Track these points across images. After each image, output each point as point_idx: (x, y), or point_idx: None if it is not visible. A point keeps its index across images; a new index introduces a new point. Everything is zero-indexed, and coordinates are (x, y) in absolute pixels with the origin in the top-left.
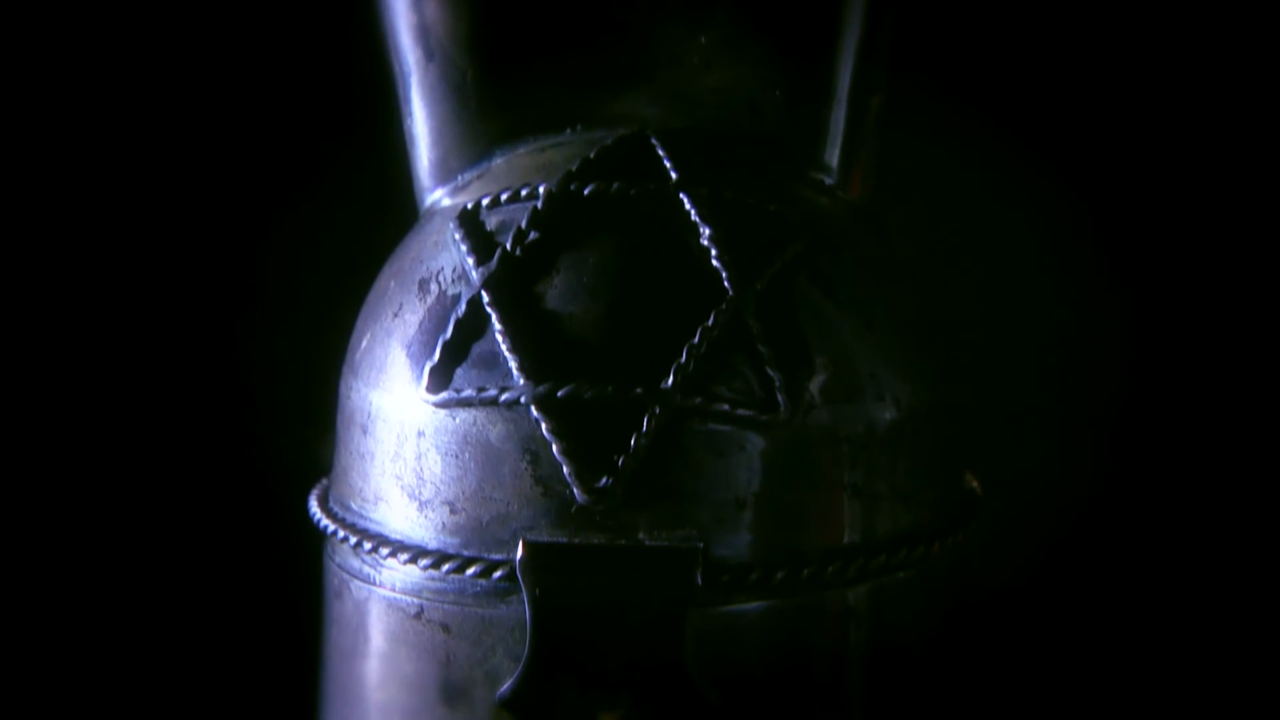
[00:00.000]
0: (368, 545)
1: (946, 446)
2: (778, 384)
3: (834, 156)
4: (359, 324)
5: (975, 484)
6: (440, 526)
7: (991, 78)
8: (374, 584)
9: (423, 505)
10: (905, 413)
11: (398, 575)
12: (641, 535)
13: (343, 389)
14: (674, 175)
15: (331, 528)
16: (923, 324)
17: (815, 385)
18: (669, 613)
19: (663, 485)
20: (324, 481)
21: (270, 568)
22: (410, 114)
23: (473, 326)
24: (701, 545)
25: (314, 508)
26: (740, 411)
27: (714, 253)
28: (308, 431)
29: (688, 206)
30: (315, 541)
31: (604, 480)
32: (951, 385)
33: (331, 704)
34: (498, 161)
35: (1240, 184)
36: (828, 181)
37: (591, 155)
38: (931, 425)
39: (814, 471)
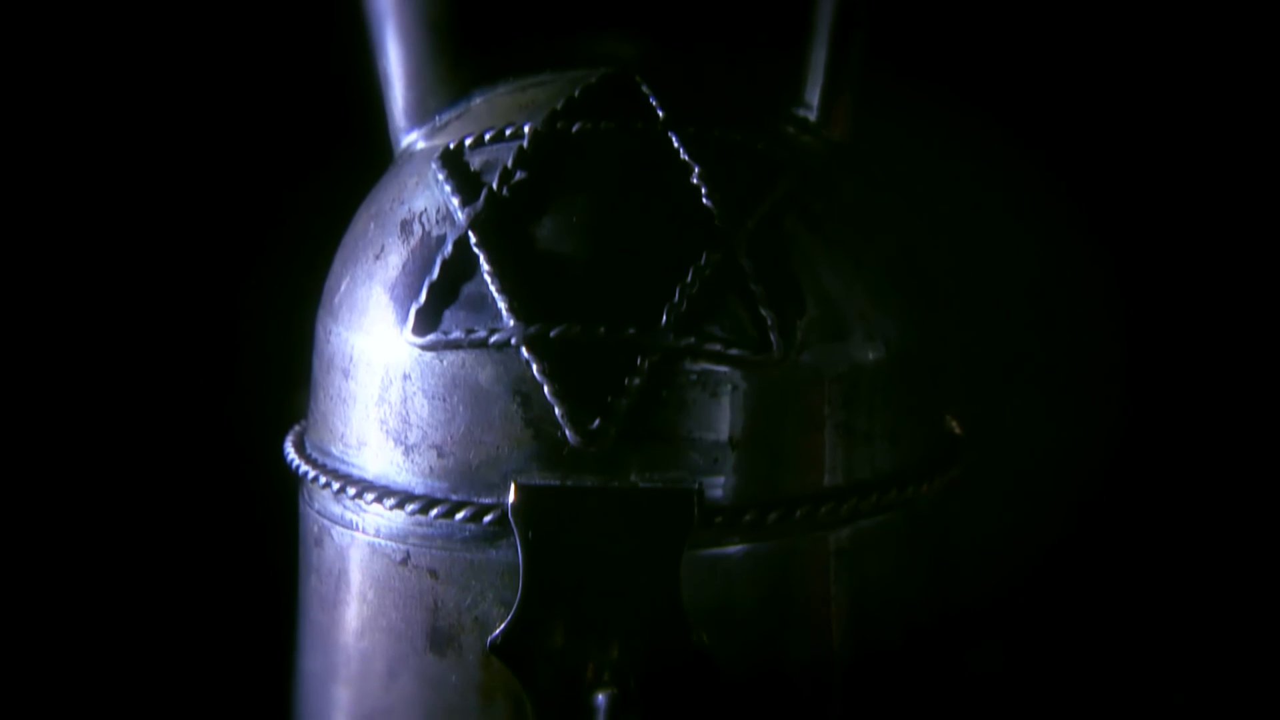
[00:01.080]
0: (351, 491)
1: (931, 388)
2: (770, 323)
3: (815, 95)
4: (336, 267)
5: (957, 427)
6: (428, 470)
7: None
8: (357, 530)
9: (409, 449)
10: (894, 352)
11: (382, 521)
12: (634, 477)
13: (320, 333)
14: (660, 114)
15: (311, 473)
16: (907, 264)
17: (807, 324)
18: (664, 555)
19: (656, 427)
20: (298, 427)
21: (239, 514)
22: (385, 54)
23: (460, 268)
24: (697, 486)
25: (290, 453)
26: (734, 351)
27: (704, 191)
28: (277, 379)
29: (676, 145)
30: (288, 488)
31: (596, 422)
32: (934, 327)
33: (310, 652)
34: (477, 102)
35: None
36: (810, 119)
37: (576, 94)
38: (918, 365)
39: (806, 411)
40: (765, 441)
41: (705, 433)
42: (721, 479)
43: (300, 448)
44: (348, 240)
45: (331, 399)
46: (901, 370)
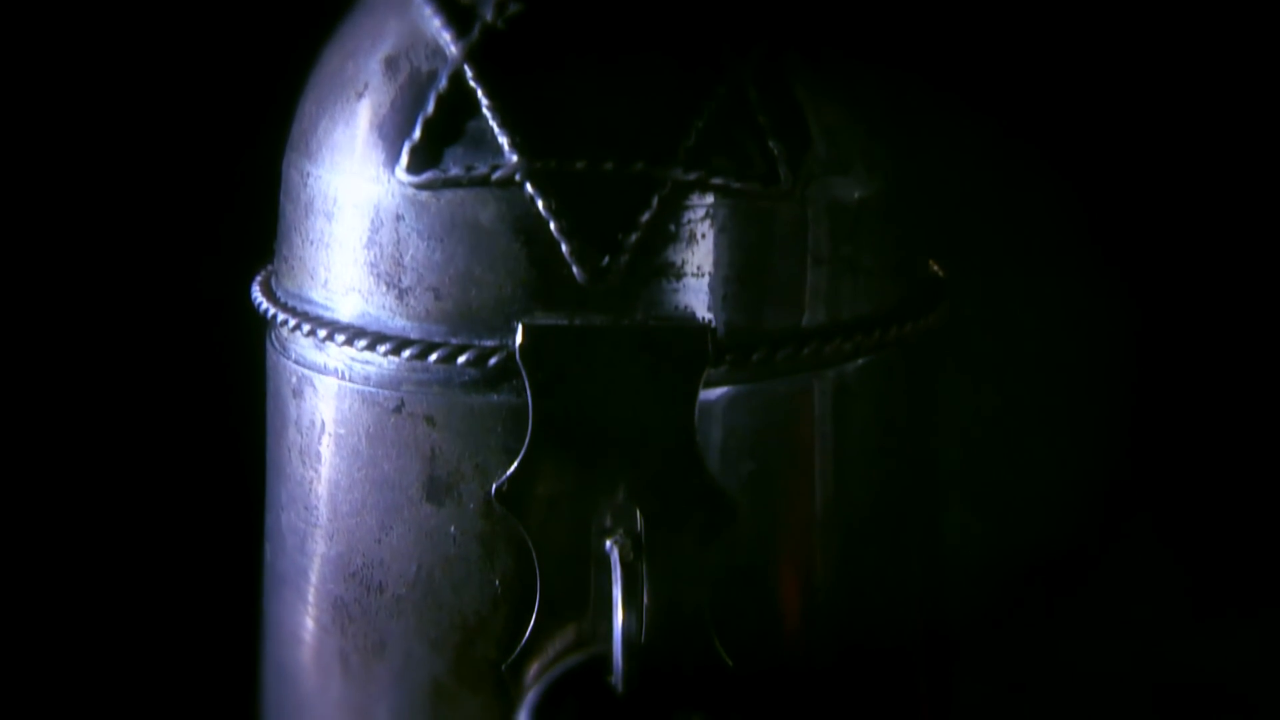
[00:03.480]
0: (340, 338)
1: (922, 227)
2: (778, 155)
3: None
4: (308, 108)
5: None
6: (424, 314)
7: None
8: (344, 379)
9: (403, 293)
10: (894, 185)
11: (373, 368)
12: (641, 316)
13: (295, 176)
14: None
15: (292, 322)
16: (901, 100)
17: (813, 157)
18: (679, 393)
19: (665, 263)
20: (264, 273)
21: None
22: None
23: (456, 103)
24: (711, 322)
25: (262, 301)
26: (744, 184)
27: (709, 22)
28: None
29: None
30: (251, 338)
31: (605, 259)
32: (924, 167)
33: (288, 508)
34: None
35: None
36: None
37: None
38: (912, 203)
39: (814, 245)
40: (776, 276)
41: (716, 268)
42: (732, 315)
43: (271, 295)
44: (320, 81)
45: (312, 244)
46: (904, 204)
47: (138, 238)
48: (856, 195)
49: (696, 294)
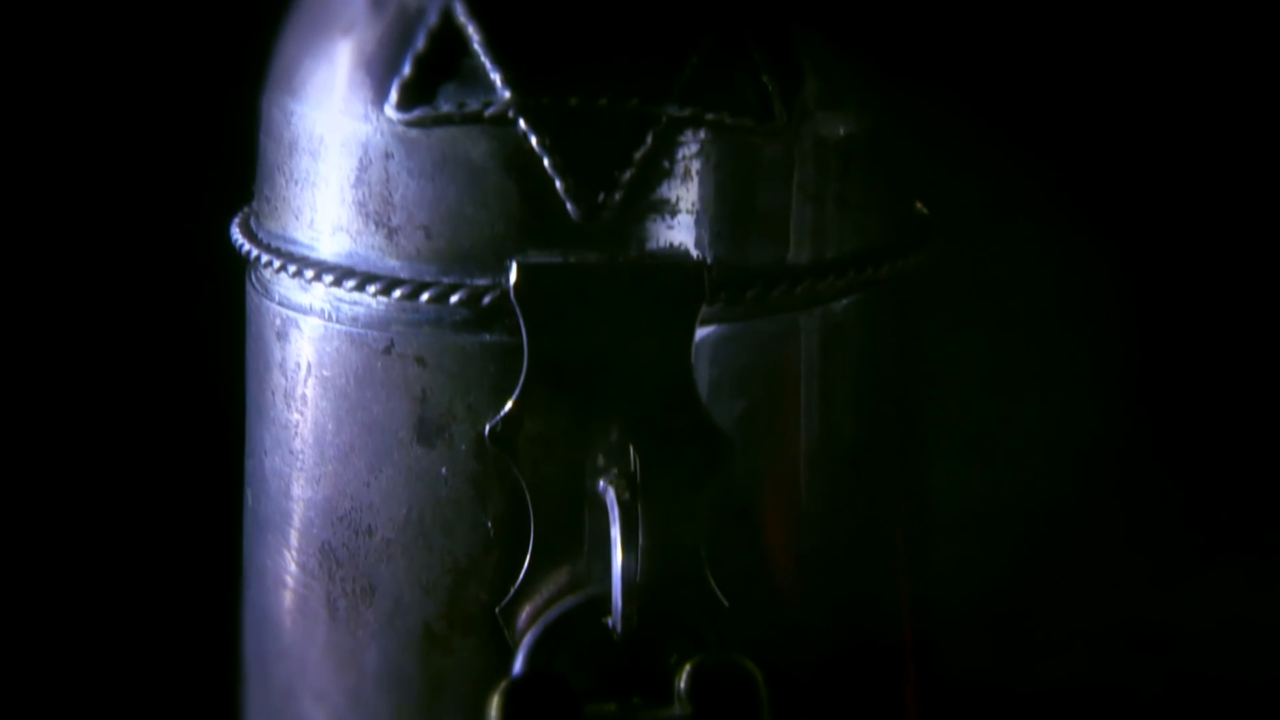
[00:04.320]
0: (327, 278)
1: (913, 165)
2: (773, 92)
3: None
4: (289, 46)
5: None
6: (414, 254)
7: None
8: (331, 320)
9: (392, 232)
10: (885, 123)
11: (361, 309)
12: (636, 253)
13: (277, 115)
14: None
15: (277, 263)
16: (888, 36)
17: (807, 93)
18: (676, 330)
19: (660, 200)
20: (243, 213)
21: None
22: None
23: (446, 39)
24: (708, 259)
25: (243, 242)
26: (738, 121)
27: None
28: None
29: None
30: (231, 280)
31: (600, 195)
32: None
33: (271, 455)
34: None
35: None
36: None
37: None
38: (904, 140)
39: (807, 182)
40: (767, 214)
41: (710, 206)
42: (726, 253)
43: (252, 235)
44: (300, 18)
45: (297, 183)
46: (890, 144)
47: (105, 177)
48: (849, 132)
49: (691, 231)
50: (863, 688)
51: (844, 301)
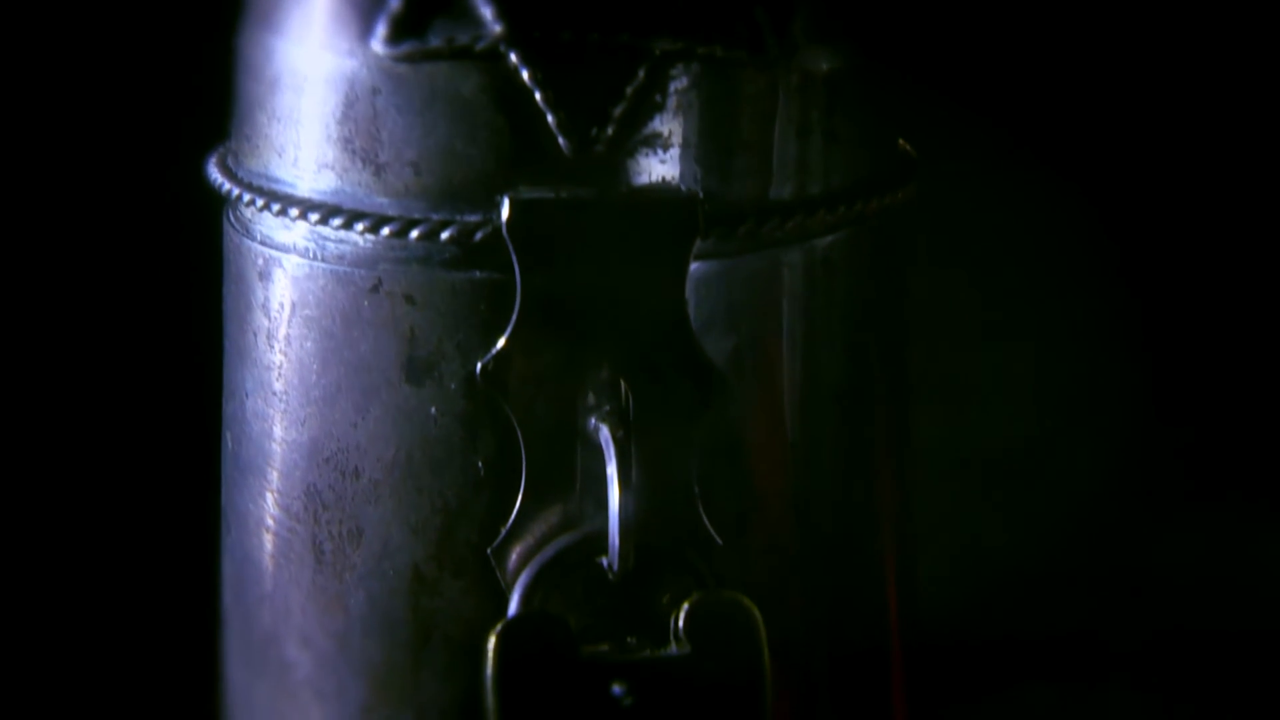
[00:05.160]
0: (313, 216)
1: (899, 101)
2: (764, 25)
3: None
4: None
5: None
6: (403, 190)
7: None
8: (317, 259)
9: (380, 169)
10: (874, 57)
11: (348, 247)
12: (628, 188)
13: (258, 52)
14: None
15: (260, 201)
16: None
17: (798, 26)
18: (670, 265)
19: (652, 134)
20: (219, 152)
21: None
22: None
23: None
24: (701, 193)
25: (223, 181)
26: (730, 54)
27: None
28: None
29: None
30: (208, 219)
31: (592, 130)
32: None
33: (253, 397)
34: None
35: None
36: None
37: None
38: (892, 75)
39: (798, 116)
40: (759, 148)
41: (703, 139)
42: (719, 187)
43: (231, 174)
44: None
45: (279, 121)
46: (878, 79)
47: (72, 118)
48: (838, 66)
49: (683, 165)
50: (849, 622)
51: (832, 237)
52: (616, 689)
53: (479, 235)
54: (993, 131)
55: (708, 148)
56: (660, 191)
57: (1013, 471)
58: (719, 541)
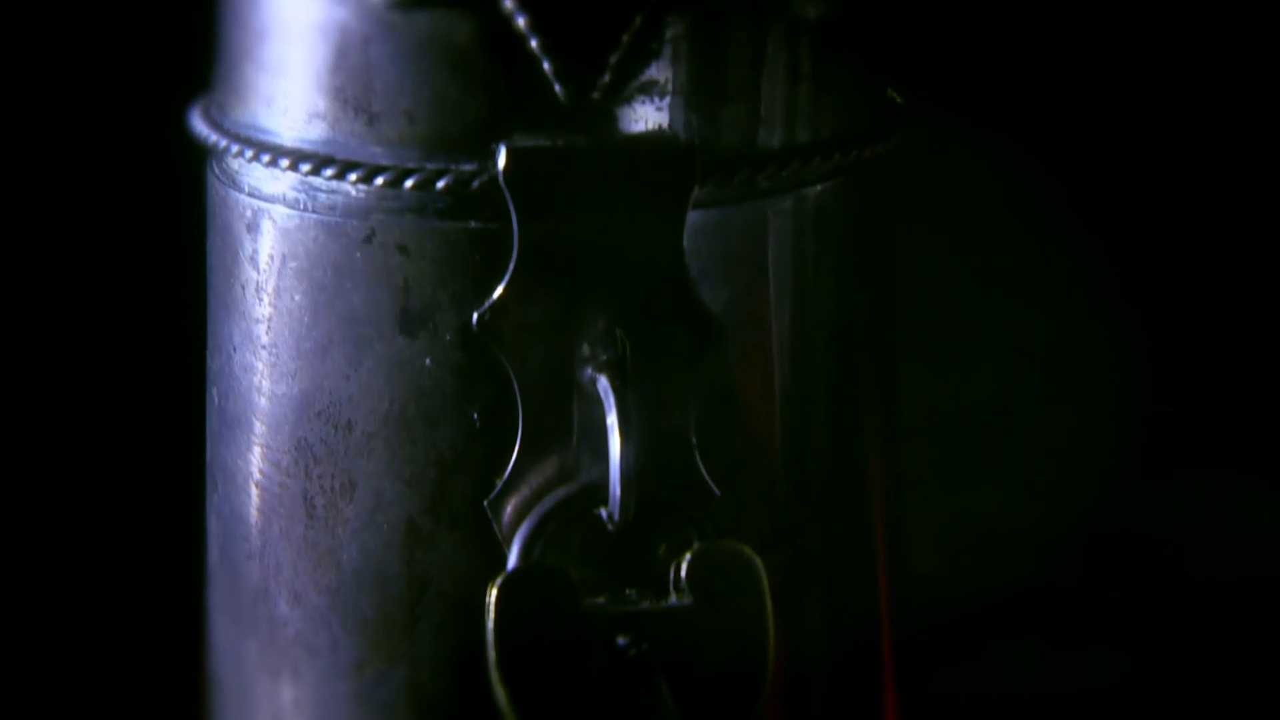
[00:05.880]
0: (304, 167)
1: (890, 49)
2: None
3: None
4: None
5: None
6: (396, 140)
7: None
8: (308, 210)
9: (373, 118)
10: (866, 4)
11: (340, 197)
12: (625, 136)
13: (245, 1)
14: None
15: (249, 152)
16: None
17: None
18: (667, 213)
19: (648, 82)
20: (202, 103)
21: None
22: None
23: None
24: (698, 141)
25: (209, 132)
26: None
27: None
28: None
29: None
30: (187, 171)
31: (589, 78)
32: None
33: (241, 351)
34: None
35: None
36: None
37: None
38: (882, 24)
39: (794, 63)
40: (755, 95)
41: (699, 87)
42: (714, 136)
43: (217, 125)
44: None
45: (268, 71)
46: (869, 27)
47: (45, 71)
48: (831, 13)
49: (679, 113)
50: (841, 570)
51: (823, 185)
52: (620, 640)
53: (475, 184)
54: (979, 86)
55: (704, 95)
56: (658, 139)
57: (1000, 430)
58: (717, 492)
